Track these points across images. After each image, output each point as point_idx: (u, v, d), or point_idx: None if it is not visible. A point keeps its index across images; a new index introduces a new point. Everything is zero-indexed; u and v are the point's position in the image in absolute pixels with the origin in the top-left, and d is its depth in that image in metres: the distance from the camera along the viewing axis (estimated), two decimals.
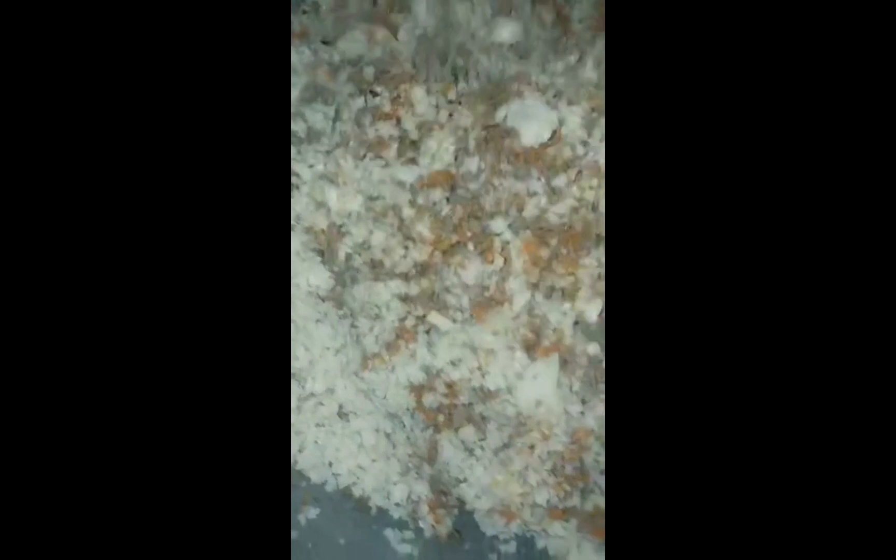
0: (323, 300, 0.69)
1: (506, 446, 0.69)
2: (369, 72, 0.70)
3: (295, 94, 0.72)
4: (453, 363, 0.67)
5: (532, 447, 0.68)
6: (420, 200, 0.67)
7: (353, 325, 0.69)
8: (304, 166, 0.70)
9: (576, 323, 0.66)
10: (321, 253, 0.70)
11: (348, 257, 0.69)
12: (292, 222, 0.70)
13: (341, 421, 0.70)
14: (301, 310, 0.69)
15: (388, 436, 0.69)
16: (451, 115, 0.68)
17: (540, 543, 0.68)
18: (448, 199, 0.67)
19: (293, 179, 0.70)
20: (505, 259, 0.65)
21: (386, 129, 0.68)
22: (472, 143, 0.66)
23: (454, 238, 0.66)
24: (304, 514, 0.66)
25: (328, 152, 0.70)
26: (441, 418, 0.70)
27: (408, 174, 0.67)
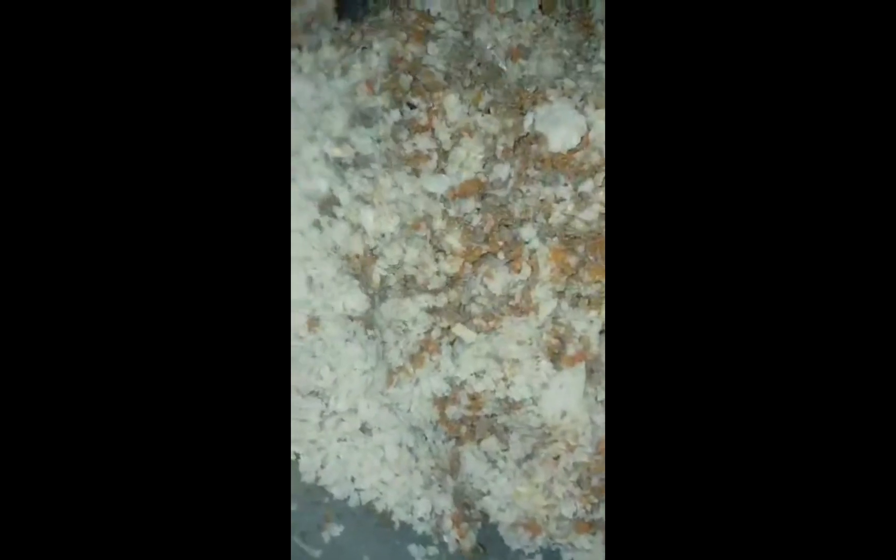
0: (352, 319, 0.68)
1: (529, 457, 0.68)
2: (406, 80, 0.69)
3: (342, 121, 0.69)
4: (477, 375, 0.66)
5: (557, 458, 0.67)
6: (451, 211, 0.66)
7: (382, 342, 0.68)
8: (345, 190, 0.68)
9: (601, 331, 0.65)
10: (357, 276, 0.68)
11: (382, 279, 0.67)
12: (328, 251, 0.68)
13: (363, 435, 0.69)
14: (329, 329, 0.67)
15: (410, 450, 0.68)
16: (477, 122, 0.67)
17: (566, 557, 0.67)
18: (479, 210, 0.66)
19: (334, 209, 0.68)
20: (532, 267, 0.64)
21: (423, 142, 0.67)
22: (500, 150, 0.65)
23: (485, 248, 0.65)
24: (328, 532, 0.64)
25: (371, 178, 0.68)
26: (464, 430, 0.69)
27: (438, 185, 0.66)
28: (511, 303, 0.64)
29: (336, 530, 0.65)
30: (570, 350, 0.65)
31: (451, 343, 0.67)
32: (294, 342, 0.69)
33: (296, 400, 0.69)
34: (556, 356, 0.66)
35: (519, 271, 0.64)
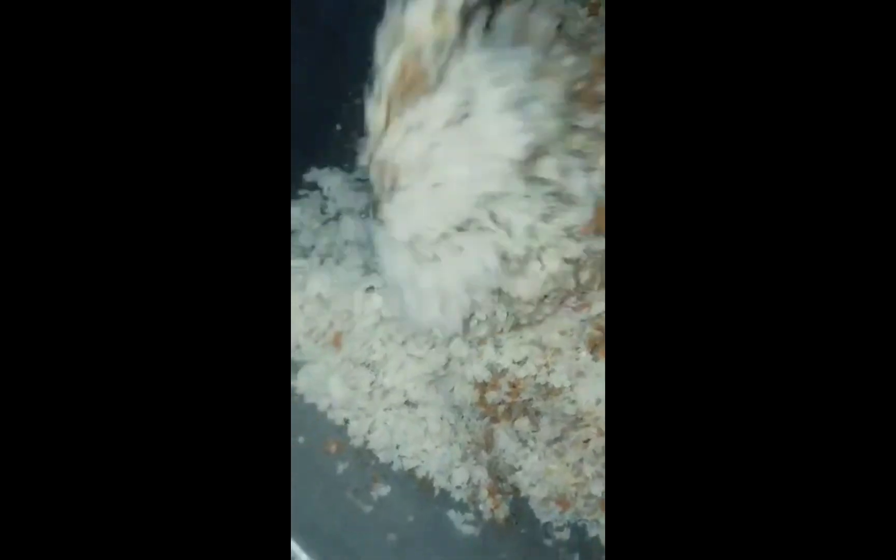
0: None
1: (558, 439, 0.72)
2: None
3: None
4: (520, 362, 0.71)
5: (587, 441, 0.72)
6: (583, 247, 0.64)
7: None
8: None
9: None
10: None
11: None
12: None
13: (408, 407, 0.74)
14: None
15: (451, 425, 0.73)
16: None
17: (592, 532, 0.72)
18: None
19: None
20: (592, 275, 0.67)
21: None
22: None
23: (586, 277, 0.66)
24: (376, 492, 0.70)
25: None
26: (501, 410, 0.73)
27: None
28: (566, 301, 0.69)
29: (384, 490, 0.70)
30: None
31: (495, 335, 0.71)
32: (350, 315, 0.75)
33: (348, 368, 0.74)
34: (595, 347, 0.70)
35: (585, 281, 0.67)
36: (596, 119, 0.61)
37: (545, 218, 0.61)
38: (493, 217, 0.60)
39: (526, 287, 0.63)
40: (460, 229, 0.61)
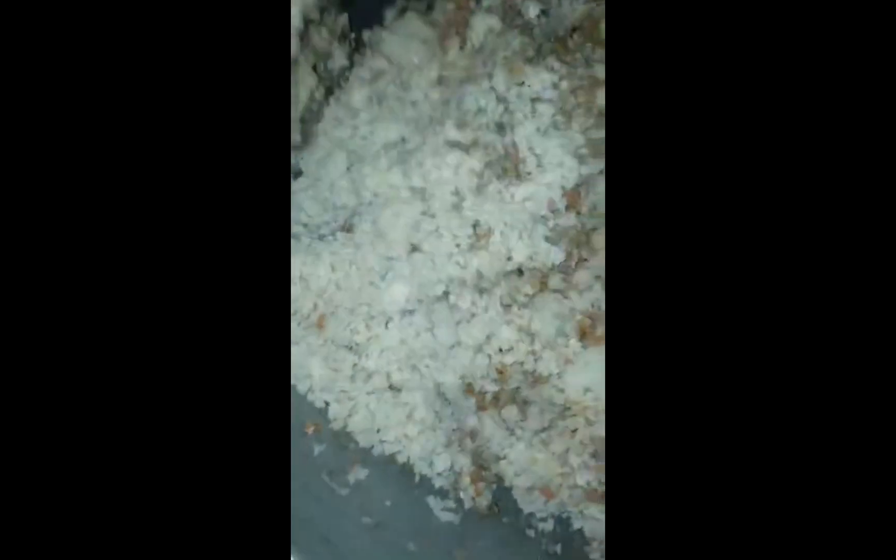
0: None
1: (546, 429, 0.70)
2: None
3: None
4: (508, 350, 0.69)
5: (574, 431, 0.70)
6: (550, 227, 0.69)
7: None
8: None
9: None
10: None
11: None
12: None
13: (392, 392, 0.72)
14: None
15: (436, 412, 0.71)
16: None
17: (576, 524, 0.70)
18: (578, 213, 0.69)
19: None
20: (582, 256, 0.67)
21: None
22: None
23: (583, 253, 0.68)
24: (354, 475, 0.68)
25: None
26: (488, 398, 0.71)
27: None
28: (552, 285, 0.67)
29: (361, 474, 0.68)
30: (599, 331, 0.68)
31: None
32: (333, 296, 0.73)
33: (330, 349, 0.73)
34: (584, 335, 0.69)
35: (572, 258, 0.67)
36: None
37: None
38: None
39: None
40: None
